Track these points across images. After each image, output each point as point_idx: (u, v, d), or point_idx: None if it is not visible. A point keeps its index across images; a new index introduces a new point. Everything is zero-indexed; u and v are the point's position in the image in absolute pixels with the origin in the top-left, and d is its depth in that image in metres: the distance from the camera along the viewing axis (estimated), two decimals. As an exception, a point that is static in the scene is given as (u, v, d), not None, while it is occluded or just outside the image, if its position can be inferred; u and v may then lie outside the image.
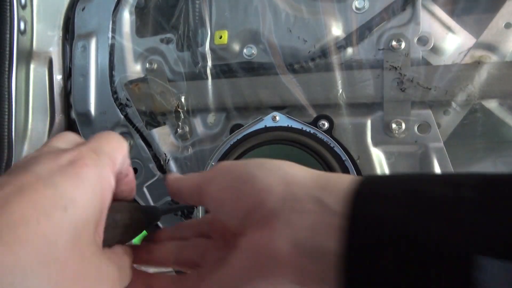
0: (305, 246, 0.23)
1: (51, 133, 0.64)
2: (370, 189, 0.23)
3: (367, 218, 0.21)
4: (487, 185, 0.19)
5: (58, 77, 0.66)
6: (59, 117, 0.66)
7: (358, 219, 0.21)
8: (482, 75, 0.47)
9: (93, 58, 0.64)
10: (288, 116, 0.53)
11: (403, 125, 0.50)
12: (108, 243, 0.27)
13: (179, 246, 0.32)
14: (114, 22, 0.64)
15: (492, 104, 0.48)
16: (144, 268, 0.32)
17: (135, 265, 0.30)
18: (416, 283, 0.19)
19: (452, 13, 0.50)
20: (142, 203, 0.60)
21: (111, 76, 0.63)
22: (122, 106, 0.63)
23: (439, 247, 0.18)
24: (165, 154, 0.61)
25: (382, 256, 0.20)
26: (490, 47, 0.47)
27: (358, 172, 0.49)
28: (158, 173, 0.61)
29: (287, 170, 0.27)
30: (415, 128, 0.50)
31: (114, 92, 0.63)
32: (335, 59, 0.52)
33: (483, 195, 0.19)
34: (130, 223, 0.30)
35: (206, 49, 0.58)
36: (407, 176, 0.23)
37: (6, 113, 0.56)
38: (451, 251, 0.18)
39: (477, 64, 0.47)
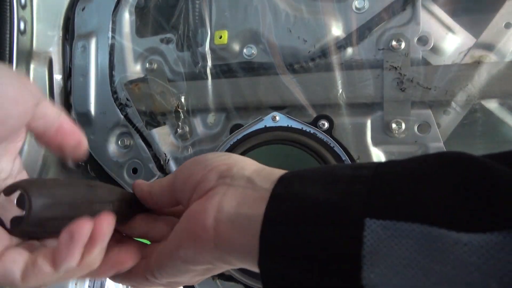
0: (229, 214, 0.27)
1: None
2: (293, 174, 0.27)
3: (286, 191, 0.26)
4: (381, 166, 0.24)
5: (58, 77, 0.66)
6: (59, 117, 0.66)
7: (278, 191, 0.26)
8: (482, 75, 0.47)
9: (93, 58, 0.64)
10: (288, 116, 0.53)
11: (403, 125, 0.50)
12: None
13: (151, 219, 0.35)
14: (114, 22, 0.64)
15: (492, 104, 0.47)
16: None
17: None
18: (319, 241, 0.23)
19: (452, 13, 0.50)
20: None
21: (111, 76, 0.63)
22: (122, 106, 0.63)
23: (336, 212, 0.23)
24: (165, 154, 0.61)
25: (292, 220, 0.24)
26: (490, 47, 0.47)
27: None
28: (158, 173, 0.61)
29: (234, 157, 0.31)
30: (415, 128, 0.50)
31: (114, 92, 0.63)
32: (335, 59, 0.52)
33: (375, 173, 0.23)
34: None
35: (206, 49, 0.58)
36: (327, 165, 0.26)
37: (6, 113, 0.56)
38: (345, 215, 0.22)
39: (477, 64, 0.47)
